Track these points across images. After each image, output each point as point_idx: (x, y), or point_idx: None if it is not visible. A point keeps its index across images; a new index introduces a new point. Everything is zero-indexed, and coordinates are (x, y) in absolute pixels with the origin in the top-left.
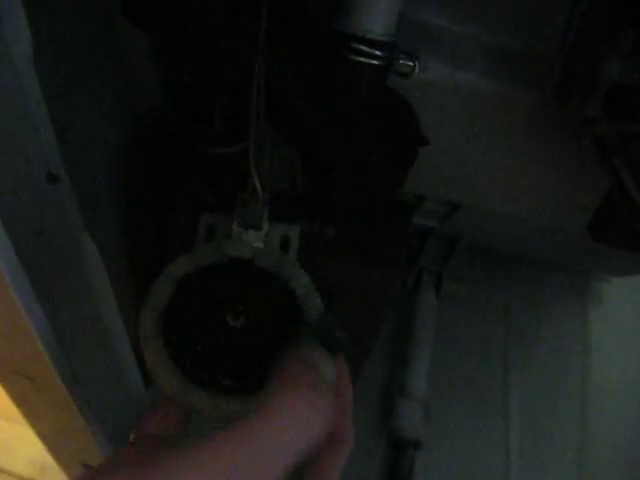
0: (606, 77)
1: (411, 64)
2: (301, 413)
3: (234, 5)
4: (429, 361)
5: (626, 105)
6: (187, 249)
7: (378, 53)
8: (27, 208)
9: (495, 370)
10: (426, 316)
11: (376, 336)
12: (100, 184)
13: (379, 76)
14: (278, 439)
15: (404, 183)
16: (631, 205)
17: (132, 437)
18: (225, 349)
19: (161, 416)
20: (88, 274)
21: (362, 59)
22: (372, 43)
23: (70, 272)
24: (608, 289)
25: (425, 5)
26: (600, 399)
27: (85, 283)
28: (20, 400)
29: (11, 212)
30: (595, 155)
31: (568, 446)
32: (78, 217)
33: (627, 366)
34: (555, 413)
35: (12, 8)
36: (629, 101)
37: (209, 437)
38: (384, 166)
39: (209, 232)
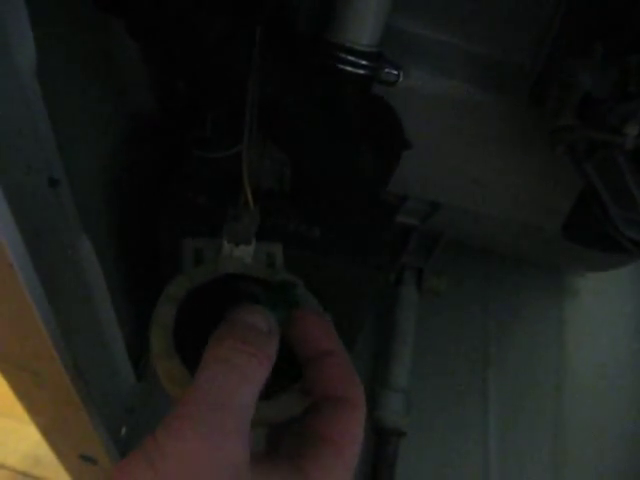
0: (578, 88)
1: (396, 73)
2: (231, 359)
3: (230, 21)
4: (411, 353)
5: (595, 115)
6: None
7: (364, 63)
8: (29, 210)
9: (474, 362)
10: (408, 310)
11: (359, 331)
12: (95, 186)
13: (365, 85)
14: (220, 394)
15: (388, 185)
16: (602, 208)
17: None
18: None
19: None
20: (85, 273)
21: (349, 68)
22: (358, 53)
23: (68, 271)
24: (583, 283)
25: (408, 15)
26: (574, 388)
27: (82, 281)
28: (23, 395)
29: (14, 214)
30: (568, 161)
31: (544, 433)
32: (76, 218)
33: (601, 357)
34: (532, 402)
35: (18, 21)
36: (598, 112)
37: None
38: (369, 169)
39: (197, 255)
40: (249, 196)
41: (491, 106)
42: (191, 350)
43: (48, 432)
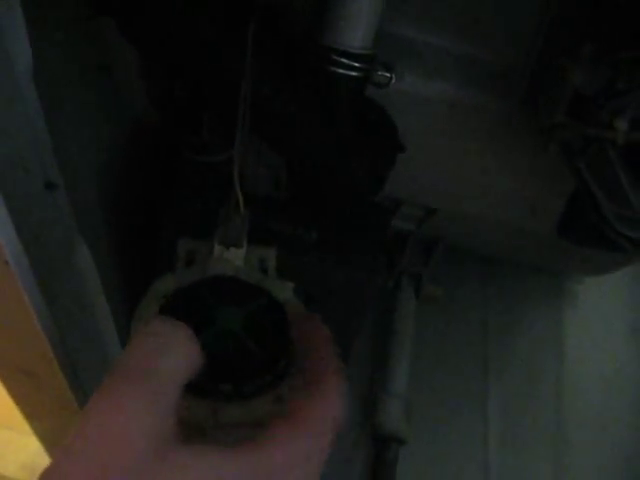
0: (569, 86)
1: (388, 75)
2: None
3: (222, 24)
4: (410, 360)
5: (587, 112)
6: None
7: (357, 65)
8: (28, 213)
9: (473, 369)
10: (406, 317)
11: (356, 335)
12: (92, 189)
13: (358, 87)
14: (138, 364)
15: (383, 188)
16: (595, 205)
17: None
18: (223, 355)
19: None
20: (82, 275)
21: (342, 71)
22: (351, 56)
23: (65, 273)
24: (583, 290)
25: (401, 19)
26: (574, 396)
27: (79, 283)
28: (21, 399)
29: (13, 217)
30: (561, 159)
31: (544, 441)
32: (72, 221)
33: (600, 365)
34: (532, 408)
35: (15, 26)
36: (589, 108)
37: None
38: (364, 173)
39: (189, 256)
40: (240, 198)
41: (484, 107)
42: None
43: (45, 437)
